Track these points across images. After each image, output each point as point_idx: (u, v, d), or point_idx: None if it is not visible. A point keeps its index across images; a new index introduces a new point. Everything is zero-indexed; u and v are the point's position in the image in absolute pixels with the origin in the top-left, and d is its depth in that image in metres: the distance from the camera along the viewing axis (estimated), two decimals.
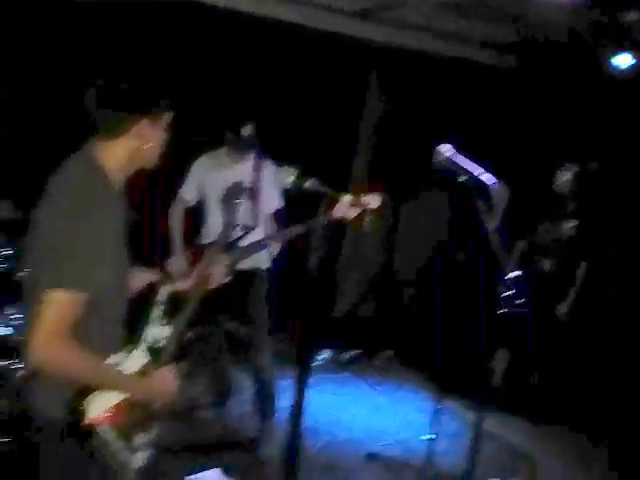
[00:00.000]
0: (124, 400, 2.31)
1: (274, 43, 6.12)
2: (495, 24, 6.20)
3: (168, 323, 2.66)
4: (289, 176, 3.19)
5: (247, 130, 4.45)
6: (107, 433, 2.25)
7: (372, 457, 4.89)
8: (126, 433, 2.33)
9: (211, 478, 3.67)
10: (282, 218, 4.62)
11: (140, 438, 2.39)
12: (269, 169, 4.60)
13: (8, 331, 4.05)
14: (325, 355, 6.62)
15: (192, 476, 3.63)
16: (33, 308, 2.14)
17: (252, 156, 4.61)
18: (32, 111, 5.34)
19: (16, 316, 4.06)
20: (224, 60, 6.02)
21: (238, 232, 4.11)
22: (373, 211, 3.64)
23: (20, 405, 3.47)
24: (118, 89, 2.21)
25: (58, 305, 2.10)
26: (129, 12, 5.26)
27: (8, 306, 4.06)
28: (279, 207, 4.67)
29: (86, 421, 2.21)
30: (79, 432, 2.21)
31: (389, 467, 4.79)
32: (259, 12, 5.93)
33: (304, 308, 4.17)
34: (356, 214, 3.63)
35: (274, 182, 4.52)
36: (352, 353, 6.77)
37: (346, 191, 3.57)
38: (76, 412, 2.20)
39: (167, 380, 2.45)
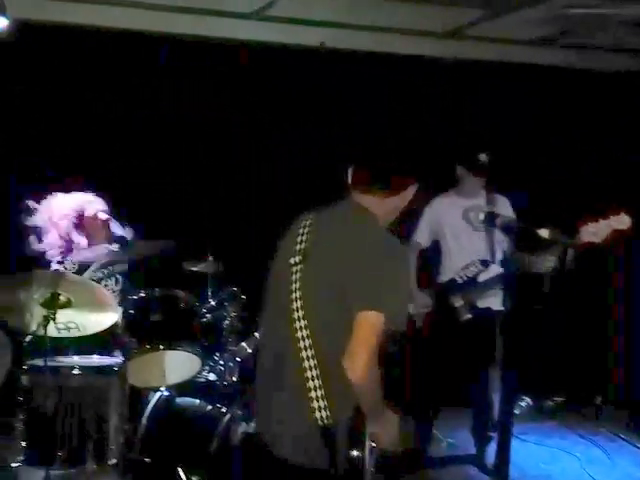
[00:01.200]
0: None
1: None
2: None
3: None
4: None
5: (483, 158, 4.63)
6: None
7: None
8: None
9: None
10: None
11: None
12: (503, 203, 4.71)
13: (214, 377, 4.17)
14: (526, 402, 6.25)
15: None
16: (321, 332, 2.41)
17: (483, 192, 4.72)
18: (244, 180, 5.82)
19: (221, 362, 4.19)
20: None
21: (476, 267, 4.43)
22: (621, 232, 3.56)
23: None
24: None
25: (374, 325, 2.33)
26: None
27: (215, 354, 4.18)
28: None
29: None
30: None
31: None
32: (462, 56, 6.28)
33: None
34: (605, 236, 3.57)
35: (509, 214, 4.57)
36: (556, 400, 6.39)
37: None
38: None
39: (392, 424, 2.58)
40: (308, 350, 2.40)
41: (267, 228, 2.82)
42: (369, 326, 2.33)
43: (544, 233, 3.29)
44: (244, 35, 5.89)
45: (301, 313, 2.45)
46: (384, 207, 2.61)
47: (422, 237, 4.89)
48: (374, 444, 2.55)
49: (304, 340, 2.42)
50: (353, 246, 2.48)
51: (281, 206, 5.60)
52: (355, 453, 2.44)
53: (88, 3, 5.46)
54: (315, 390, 2.38)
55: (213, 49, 5.82)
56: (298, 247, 2.56)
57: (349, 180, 2.65)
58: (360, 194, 2.62)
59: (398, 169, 2.65)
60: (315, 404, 2.37)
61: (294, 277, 2.50)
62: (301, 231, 2.61)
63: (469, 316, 4.59)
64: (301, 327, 2.43)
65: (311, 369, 2.38)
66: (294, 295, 2.48)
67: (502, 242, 4.56)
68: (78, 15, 5.46)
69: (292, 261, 2.53)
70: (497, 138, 5.70)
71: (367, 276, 2.40)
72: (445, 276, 4.80)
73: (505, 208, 4.67)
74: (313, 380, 2.38)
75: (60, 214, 4.18)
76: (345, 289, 2.41)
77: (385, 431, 2.54)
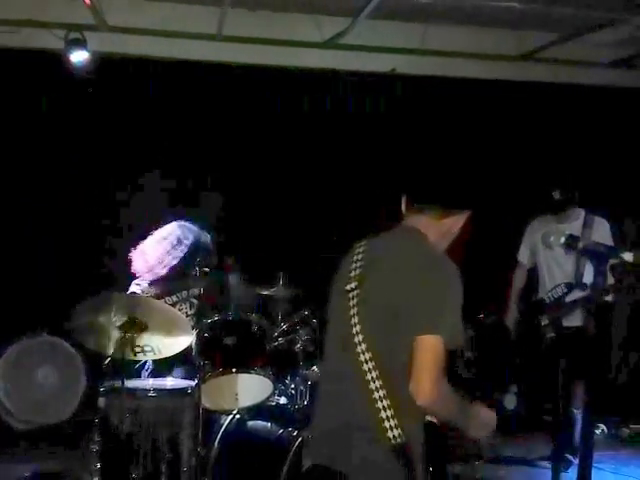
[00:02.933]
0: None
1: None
2: None
3: None
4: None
5: (556, 196, 4.76)
6: None
7: None
8: None
9: None
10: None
11: None
12: (601, 227, 4.76)
13: (285, 401, 4.18)
14: (601, 430, 6.06)
15: None
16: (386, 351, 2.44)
17: (582, 215, 4.82)
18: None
19: (292, 386, 4.20)
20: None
21: (562, 290, 4.68)
22: None
23: None
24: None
25: (434, 348, 2.38)
26: None
27: (287, 377, 4.19)
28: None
29: None
30: None
31: None
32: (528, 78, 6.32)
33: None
34: None
35: (607, 241, 4.54)
36: (633, 427, 6.17)
37: None
38: None
39: (489, 417, 2.60)
40: (372, 372, 2.44)
41: (338, 253, 2.85)
42: (429, 351, 2.39)
43: (628, 257, 3.18)
44: (318, 64, 6.01)
45: (361, 337, 2.49)
46: (437, 229, 2.65)
47: (523, 256, 5.16)
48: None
49: (367, 363, 2.45)
50: (405, 269, 2.53)
51: (352, 231, 5.64)
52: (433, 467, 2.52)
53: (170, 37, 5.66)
54: (385, 410, 2.41)
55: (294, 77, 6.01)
56: (353, 274, 2.62)
57: (403, 204, 2.69)
58: (414, 214, 2.66)
59: (454, 192, 2.71)
60: (386, 424, 2.40)
61: (351, 303, 2.56)
62: (355, 258, 2.66)
63: (553, 335, 4.74)
64: (362, 351, 2.47)
65: (378, 390, 2.42)
66: (353, 321, 2.53)
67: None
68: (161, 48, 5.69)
69: (348, 287, 2.59)
70: (573, 160, 5.67)
71: (422, 300, 2.45)
72: (539, 295, 5.04)
73: (601, 232, 4.72)
74: (382, 401, 2.41)
75: (161, 252, 4.30)
76: (401, 312, 2.45)
77: (474, 423, 2.56)
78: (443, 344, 2.39)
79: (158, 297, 4.16)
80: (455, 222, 2.68)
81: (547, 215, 4.98)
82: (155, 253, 4.28)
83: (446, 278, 2.50)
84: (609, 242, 4.55)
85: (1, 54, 5.51)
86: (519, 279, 5.21)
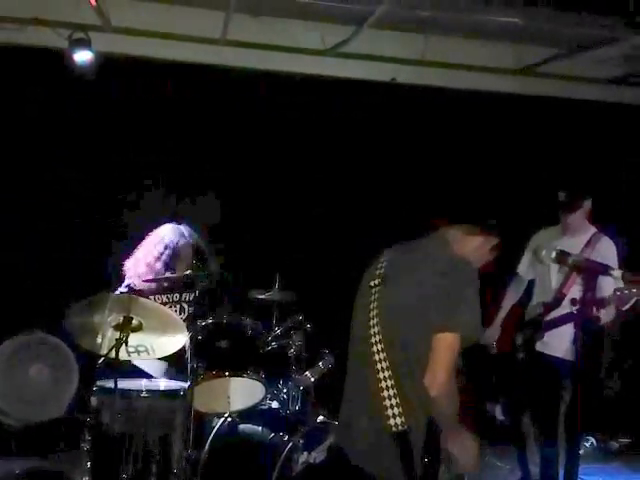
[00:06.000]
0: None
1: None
2: None
3: None
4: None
5: (561, 196, 4.50)
6: None
7: None
8: None
9: None
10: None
11: None
12: (605, 245, 4.45)
13: (277, 405, 4.21)
14: (590, 442, 6.09)
15: None
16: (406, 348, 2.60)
17: (591, 232, 4.53)
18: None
19: (285, 391, 4.22)
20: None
21: (540, 309, 4.43)
22: None
23: None
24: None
25: (451, 346, 2.55)
26: None
27: (279, 382, 4.21)
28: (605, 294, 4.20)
29: None
30: None
31: None
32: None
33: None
34: None
35: (609, 261, 4.11)
36: (622, 441, 6.22)
37: None
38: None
39: (469, 447, 2.69)
40: (382, 362, 2.61)
41: (335, 260, 2.95)
42: (447, 347, 2.56)
43: (617, 274, 3.18)
44: (319, 70, 6.05)
45: (377, 329, 2.67)
46: (465, 243, 2.83)
47: (522, 268, 4.86)
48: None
49: (378, 354, 2.63)
50: (425, 271, 2.71)
51: (350, 240, 5.70)
52: (429, 459, 2.62)
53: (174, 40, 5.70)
54: (389, 399, 2.57)
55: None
56: (378, 272, 2.81)
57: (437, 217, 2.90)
58: (445, 227, 2.87)
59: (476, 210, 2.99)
60: (389, 412, 2.55)
61: (372, 297, 2.75)
62: (383, 259, 2.86)
63: (522, 356, 4.53)
64: (376, 341, 2.65)
65: (385, 379, 2.59)
66: (372, 313, 2.71)
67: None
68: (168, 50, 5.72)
69: (372, 284, 2.78)
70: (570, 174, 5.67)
71: (439, 300, 2.61)
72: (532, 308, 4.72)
73: (604, 252, 4.40)
74: (388, 390, 2.57)
75: (150, 259, 4.33)
76: (419, 311, 2.62)
77: (463, 453, 2.67)
78: (460, 341, 2.56)
79: (147, 296, 4.18)
80: (483, 243, 2.88)
81: (554, 227, 4.69)
82: (145, 258, 4.33)
83: (463, 278, 2.66)
84: (611, 262, 4.20)
85: (6, 51, 5.53)
86: (512, 291, 4.89)
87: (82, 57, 5.39)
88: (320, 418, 4.00)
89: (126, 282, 4.33)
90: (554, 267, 4.51)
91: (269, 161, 6.02)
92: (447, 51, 6.14)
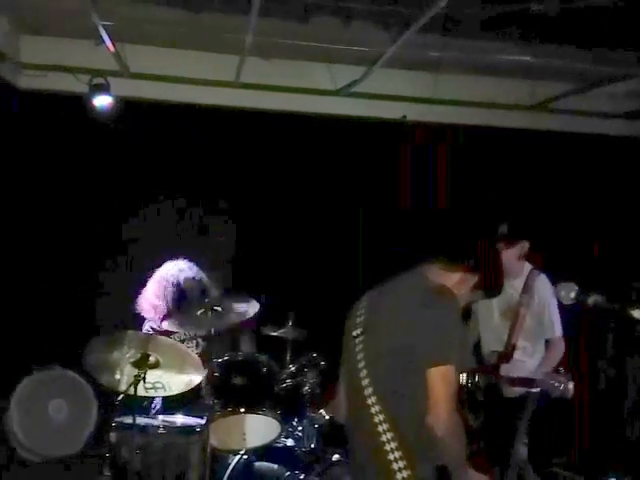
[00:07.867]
0: None
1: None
2: None
3: None
4: (570, 292, 2.95)
5: (502, 229, 4.32)
6: None
7: None
8: None
9: None
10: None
11: None
12: (541, 282, 4.31)
13: (292, 443, 4.21)
14: None
15: None
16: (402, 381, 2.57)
17: (525, 269, 4.37)
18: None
19: (300, 428, 4.23)
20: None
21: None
22: None
23: None
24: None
25: (446, 378, 2.53)
26: None
27: (294, 419, 4.23)
28: (557, 334, 4.28)
29: None
30: None
31: None
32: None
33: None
34: None
35: (549, 299, 4.22)
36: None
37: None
38: None
39: None
40: (379, 415, 2.55)
41: (348, 297, 2.97)
42: (443, 380, 2.52)
43: (592, 300, 3.03)
44: (331, 110, 6.17)
45: (367, 381, 2.62)
46: (445, 278, 2.77)
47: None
48: None
49: (374, 406, 2.57)
50: (404, 309, 2.66)
51: (363, 277, 5.74)
52: None
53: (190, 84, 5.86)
54: (392, 452, 2.51)
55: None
56: (358, 320, 2.76)
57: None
58: (426, 264, 2.82)
59: (458, 247, 2.86)
60: (395, 466, 2.50)
61: (357, 349, 2.70)
62: (361, 305, 2.82)
63: (481, 399, 4.22)
64: (369, 394, 2.60)
65: (385, 432, 2.52)
66: (360, 365, 2.66)
67: (532, 328, 4.27)
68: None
69: (354, 334, 2.74)
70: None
71: (425, 335, 2.57)
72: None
73: (543, 287, 4.28)
74: (389, 443, 2.51)
75: (157, 296, 4.43)
76: (406, 350, 2.57)
77: None
78: (453, 372, 2.54)
79: (167, 334, 4.26)
80: (464, 279, 2.78)
81: None
82: (152, 297, 4.44)
83: (444, 307, 2.64)
84: (550, 301, 4.20)
85: (29, 96, 5.71)
86: None
87: (101, 102, 5.55)
88: (335, 457, 4.02)
89: (149, 324, 4.43)
90: (496, 313, 4.37)
91: (283, 199, 6.12)
92: (458, 88, 6.23)
